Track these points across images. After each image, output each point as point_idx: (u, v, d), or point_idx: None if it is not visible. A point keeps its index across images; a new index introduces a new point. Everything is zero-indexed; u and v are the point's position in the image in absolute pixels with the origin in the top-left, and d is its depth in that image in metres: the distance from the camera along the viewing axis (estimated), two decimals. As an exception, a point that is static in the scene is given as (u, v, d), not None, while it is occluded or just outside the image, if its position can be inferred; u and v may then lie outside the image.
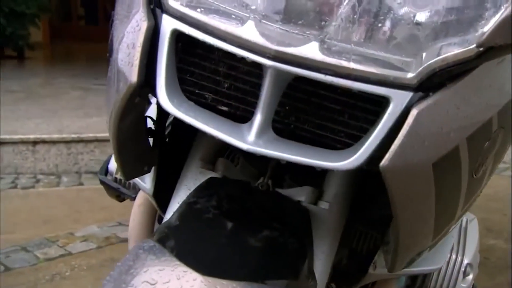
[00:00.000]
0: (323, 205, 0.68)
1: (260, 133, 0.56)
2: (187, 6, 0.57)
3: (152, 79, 0.58)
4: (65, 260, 1.69)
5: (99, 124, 2.80)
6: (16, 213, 2.07)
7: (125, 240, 1.89)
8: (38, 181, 2.43)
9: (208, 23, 0.56)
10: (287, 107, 0.59)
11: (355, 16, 0.55)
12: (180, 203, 0.70)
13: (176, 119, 0.77)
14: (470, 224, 0.88)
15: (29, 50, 5.80)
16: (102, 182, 1.02)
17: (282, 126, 0.59)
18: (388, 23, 0.56)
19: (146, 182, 0.79)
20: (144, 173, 0.75)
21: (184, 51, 0.59)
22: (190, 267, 0.55)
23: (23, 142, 2.47)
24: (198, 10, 0.57)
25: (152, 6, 0.59)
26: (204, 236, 0.60)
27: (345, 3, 0.55)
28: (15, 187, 2.36)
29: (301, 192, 0.69)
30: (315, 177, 0.70)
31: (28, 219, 2.02)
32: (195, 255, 0.57)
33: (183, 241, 0.59)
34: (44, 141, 2.50)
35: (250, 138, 0.56)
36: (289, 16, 0.54)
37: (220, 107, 0.60)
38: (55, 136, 2.52)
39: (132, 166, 0.71)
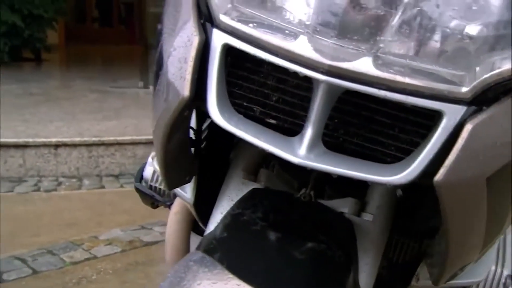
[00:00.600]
0: (367, 216, 0.68)
1: (311, 147, 0.56)
2: (238, 20, 0.57)
3: (202, 92, 0.58)
4: (91, 263, 1.71)
5: (118, 127, 2.82)
6: (40, 216, 2.10)
7: (149, 244, 1.91)
8: (60, 184, 2.46)
9: (260, 37, 0.56)
10: (335, 120, 0.59)
11: (407, 30, 0.55)
12: (223, 213, 0.70)
13: (212, 129, 0.78)
14: (508, 234, 0.88)
15: (45, 52, 5.87)
16: (137, 190, 1.02)
17: (331, 139, 0.59)
18: (439, 37, 0.56)
19: (186, 191, 0.79)
20: (186, 182, 0.76)
21: (233, 64, 0.60)
22: (243, 280, 0.55)
23: (46, 145, 2.50)
24: (250, 25, 0.57)
25: (202, 21, 0.60)
26: (253, 249, 0.60)
27: (397, 17, 0.55)
28: (38, 190, 2.38)
29: (344, 204, 0.69)
30: (356, 188, 0.70)
31: (52, 222, 2.04)
32: (247, 268, 0.57)
33: (232, 254, 0.59)
34: (65, 144, 2.52)
35: (301, 152, 0.56)
36: (341, 30, 0.54)
37: (268, 120, 0.60)
38: (77, 139, 2.55)
39: (175, 176, 0.72)
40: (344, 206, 0.68)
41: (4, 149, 2.46)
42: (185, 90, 0.58)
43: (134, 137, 2.62)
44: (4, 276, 1.60)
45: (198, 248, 0.63)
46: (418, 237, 0.76)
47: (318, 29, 0.54)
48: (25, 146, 2.48)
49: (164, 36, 0.65)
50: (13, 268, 1.65)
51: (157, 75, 0.66)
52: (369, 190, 0.70)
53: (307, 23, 0.55)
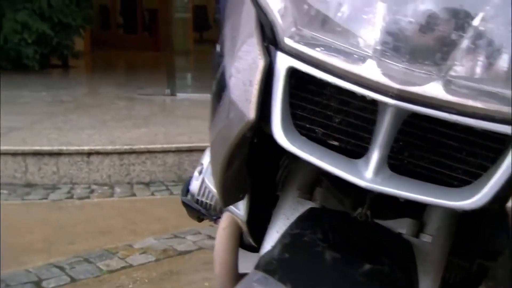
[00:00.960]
0: (426, 238, 0.67)
1: (378, 170, 0.56)
2: (303, 44, 0.58)
3: (265, 114, 0.59)
4: (127, 272, 1.73)
5: (148, 135, 2.85)
6: (74, 224, 2.13)
7: (182, 253, 1.92)
8: (92, 191, 2.49)
9: (327, 61, 0.56)
10: (400, 143, 0.59)
11: (476, 53, 0.55)
12: (279, 232, 0.70)
13: (260, 147, 0.78)
14: None
15: (72, 59, 5.98)
16: (183, 203, 1.03)
17: (395, 162, 0.59)
18: (508, 59, 0.55)
19: (239, 208, 0.80)
20: (239, 200, 0.77)
21: (295, 86, 0.60)
22: (309, 302, 0.55)
23: (79, 153, 2.54)
24: (316, 48, 0.57)
25: (265, 44, 0.60)
26: (315, 270, 0.60)
27: (466, 40, 0.54)
28: (71, 197, 2.42)
29: (401, 224, 0.68)
30: (413, 208, 0.70)
31: (86, 230, 2.07)
32: (313, 290, 0.57)
33: (295, 275, 0.60)
34: (98, 152, 2.56)
35: (367, 175, 0.56)
36: (410, 54, 0.54)
37: (330, 142, 0.61)
38: (109, 147, 2.58)
39: (230, 194, 0.73)
40: (401, 226, 0.68)
41: (39, 156, 2.51)
42: (251, 112, 0.58)
43: (165, 146, 2.65)
44: (44, 284, 1.63)
45: (257, 267, 0.63)
46: (475, 259, 0.75)
47: (387, 53, 0.54)
48: (59, 154, 2.52)
49: (226, 57, 0.66)
50: (51, 276, 1.68)
51: (218, 95, 0.67)
52: (427, 210, 0.69)
53: (376, 47, 0.55)
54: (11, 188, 2.45)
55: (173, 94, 4.23)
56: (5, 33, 4.91)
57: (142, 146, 2.62)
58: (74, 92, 4.30)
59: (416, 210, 0.70)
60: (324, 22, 0.58)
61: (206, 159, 1.01)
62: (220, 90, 0.65)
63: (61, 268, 1.73)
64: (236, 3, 0.71)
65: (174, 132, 2.92)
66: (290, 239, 0.65)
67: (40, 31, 5.10)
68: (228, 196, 0.73)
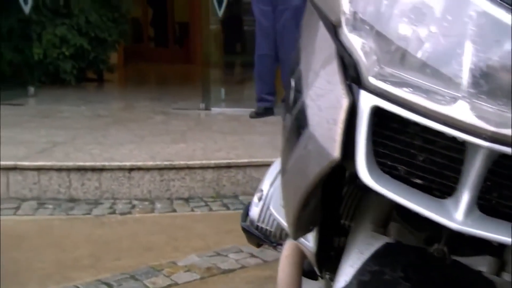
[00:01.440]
0: (508, 277, 0.66)
1: (468, 212, 0.56)
2: (388, 83, 0.58)
3: (348, 152, 0.59)
4: (173, 290, 1.74)
5: (186, 150, 2.88)
6: (118, 239, 2.16)
7: (226, 272, 1.92)
8: (134, 206, 2.53)
9: (414, 101, 0.56)
10: (488, 183, 0.58)
11: None
12: (353, 267, 0.70)
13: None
14: None
15: (107, 72, 6.10)
16: (243, 229, 1.04)
17: (483, 202, 0.58)
18: None
19: (308, 240, 0.80)
20: (309, 231, 0.77)
21: (377, 124, 0.60)
22: None
23: (120, 168, 2.58)
24: (402, 88, 0.57)
25: (348, 82, 0.61)
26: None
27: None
28: (114, 212, 2.46)
29: (482, 262, 0.68)
30: (493, 245, 0.68)
31: (130, 246, 2.10)
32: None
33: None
34: (139, 168, 2.60)
35: (458, 217, 0.56)
36: (504, 97, 0.54)
37: (414, 180, 0.60)
38: (149, 163, 2.62)
39: (302, 227, 0.73)
40: (482, 264, 0.67)
41: (82, 172, 2.56)
42: (335, 151, 0.59)
43: (204, 162, 2.67)
44: (93, 301, 1.66)
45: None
46: None
47: (481, 96, 0.54)
48: (101, 169, 2.57)
49: (305, 94, 0.66)
50: (100, 293, 1.71)
51: (297, 131, 0.67)
52: (507, 248, 0.68)
53: (469, 89, 0.54)
54: (56, 203, 2.51)
55: (207, 108, 4.26)
56: (44, 47, 5.05)
57: (182, 162, 2.65)
58: (111, 106, 4.39)
59: (497, 247, 0.69)
60: (408, 60, 0.58)
61: (265, 185, 1.02)
62: (299, 126, 0.65)
63: (109, 285, 1.76)
64: (311, 36, 0.71)
65: (212, 148, 2.95)
66: (369, 277, 0.64)
67: (78, 46, 5.22)
68: (299, 229, 0.73)
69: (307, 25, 0.75)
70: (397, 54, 0.58)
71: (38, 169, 2.54)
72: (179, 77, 6.71)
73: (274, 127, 3.64)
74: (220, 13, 4.34)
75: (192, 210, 2.53)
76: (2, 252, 1.98)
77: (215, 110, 4.26)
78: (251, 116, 3.89)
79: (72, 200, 2.55)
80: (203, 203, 2.60)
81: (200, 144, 3.02)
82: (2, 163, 2.52)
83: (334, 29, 0.61)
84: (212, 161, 2.69)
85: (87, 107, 4.21)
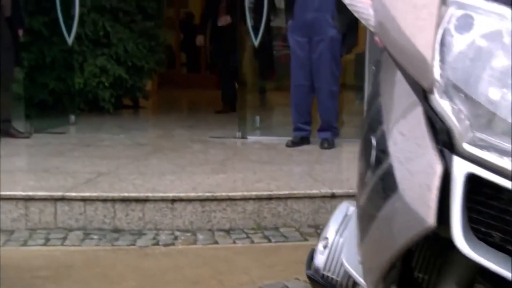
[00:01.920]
0: None
1: None
2: (482, 149, 0.59)
3: (441, 218, 0.60)
4: (221, 327, 1.74)
5: (227, 181, 2.91)
6: (164, 272, 2.18)
7: (273, 308, 1.91)
8: (176, 238, 2.55)
9: (508, 168, 0.57)
10: None
11: None
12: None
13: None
14: None
15: (143, 99, 6.25)
16: (309, 278, 1.05)
17: None
18: None
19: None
20: None
21: (470, 189, 0.61)
22: None
23: (163, 199, 2.63)
24: (496, 154, 0.58)
25: (439, 147, 0.62)
26: None
27: None
28: (157, 243, 2.49)
29: None
30: None
31: (176, 279, 2.12)
32: None
33: None
34: (181, 199, 2.63)
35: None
36: None
37: (509, 247, 0.60)
38: (192, 194, 2.65)
39: (384, 285, 0.73)
40: None
41: (127, 202, 2.61)
42: (430, 218, 0.59)
43: (245, 193, 2.69)
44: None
45: None
46: None
47: None
48: (145, 200, 2.62)
49: (393, 157, 0.67)
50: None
51: (384, 193, 0.68)
52: None
53: None
54: (101, 233, 2.56)
55: (243, 137, 4.30)
56: (85, 77, 5.22)
57: (223, 194, 2.67)
58: (149, 134, 4.48)
59: None
60: (499, 125, 0.59)
61: (331, 233, 1.03)
62: (386, 188, 0.66)
63: (159, 320, 1.77)
64: (392, 94, 0.72)
65: (251, 179, 2.97)
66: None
67: (117, 75, 5.38)
68: (379, 286, 0.73)
69: (386, 82, 0.76)
70: (488, 119, 0.59)
71: (84, 199, 2.60)
72: (212, 103, 6.79)
73: (311, 157, 3.65)
74: (257, 42, 4.41)
75: (234, 242, 2.54)
76: (51, 283, 2.03)
77: (251, 138, 4.30)
78: (288, 145, 3.91)
79: (117, 230, 2.59)
80: (244, 235, 2.61)
81: (239, 175, 3.04)
82: (51, 193, 2.59)
83: (423, 94, 0.62)
84: (253, 193, 2.70)
85: (126, 136, 4.31)
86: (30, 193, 2.58)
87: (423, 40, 0.59)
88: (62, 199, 2.59)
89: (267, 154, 3.70)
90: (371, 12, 0.68)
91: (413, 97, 0.65)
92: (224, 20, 5.39)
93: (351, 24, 3.72)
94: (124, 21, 5.49)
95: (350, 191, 2.76)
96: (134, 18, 5.55)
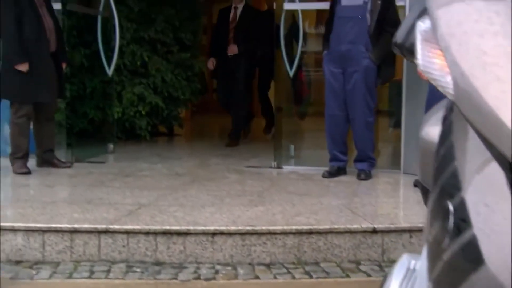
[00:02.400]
0: None
1: None
2: None
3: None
4: None
5: (266, 214, 2.92)
6: (207, 308, 2.19)
7: None
8: (217, 272, 2.56)
9: None
10: None
11: None
12: None
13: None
14: None
15: (178, 127, 6.36)
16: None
17: None
18: None
19: None
20: None
21: None
22: None
23: (204, 233, 2.65)
24: None
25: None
26: None
27: None
28: (198, 277, 2.50)
29: None
30: None
31: (219, 316, 2.12)
32: None
33: None
34: (222, 233, 2.65)
35: None
36: None
37: None
38: (232, 228, 2.67)
39: None
40: None
41: (168, 235, 2.64)
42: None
43: (285, 227, 2.69)
44: None
45: None
46: None
47: None
48: (186, 233, 2.64)
49: (478, 228, 0.66)
50: None
51: (466, 265, 0.67)
52: None
53: None
54: (143, 266, 2.59)
55: (279, 166, 4.32)
56: (123, 106, 5.35)
57: (263, 228, 2.68)
58: (186, 163, 4.54)
59: None
60: None
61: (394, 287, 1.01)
62: (469, 260, 0.64)
63: None
64: (469, 158, 0.71)
65: (291, 212, 2.97)
66: None
67: (153, 104, 5.50)
68: None
69: (461, 146, 0.76)
70: None
71: (127, 232, 2.64)
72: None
73: (348, 188, 3.63)
74: (291, 73, 4.45)
75: (275, 277, 2.53)
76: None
77: (286, 168, 4.31)
78: (324, 176, 3.90)
79: (158, 263, 2.62)
80: (285, 270, 2.60)
81: (278, 207, 3.05)
82: (95, 226, 2.64)
83: (510, 167, 0.61)
84: (293, 227, 2.70)
85: (163, 165, 4.38)
86: (76, 226, 2.65)
87: (509, 114, 0.59)
88: (106, 231, 2.64)
89: (304, 185, 3.70)
90: (449, 80, 0.69)
91: (494, 164, 0.65)
92: (231, 50, 5.37)
93: (388, 56, 3.73)
94: (161, 52, 5.64)
95: (391, 226, 2.73)
96: (171, 49, 5.70)
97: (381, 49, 3.66)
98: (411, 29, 0.83)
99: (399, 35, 0.90)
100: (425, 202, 1.68)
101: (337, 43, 3.78)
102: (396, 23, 3.70)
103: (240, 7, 5.47)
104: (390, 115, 5.00)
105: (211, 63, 5.56)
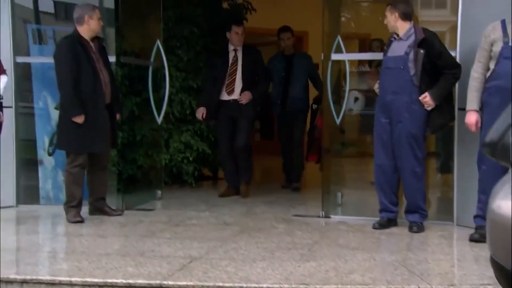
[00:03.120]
0: None
1: None
2: None
3: None
4: None
5: (319, 271, 2.87)
6: None
7: None
8: (271, 332, 2.51)
9: None
10: None
11: None
12: None
13: None
14: None
15: (222, 171, 6.40)
16: None
17: None
18: None
19: None
20: None
21: None
22: None
23: (258, 291, 2.62)
24: None
25: None
26: None
27: None
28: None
29: None
30: None
31: None
32: None
33: None
34: (276, 291, 2.61)
35: None
36: None
37: None
38: (286, 286, 2.63)
39: None
40: None
41: (221, 293, 2.63)
42: None
43: (339, 286, 2.64)
44: None
45: None
46: None
47: None
48: (240, 291, 2.62)
49: None
50: None
51: None
52: None
53: None
54: (197, 324, 2.57)
55: (327, 215, 4.27)
56: (171, 153, 5.46)
57: (317, 286, 2.63)
58: (233, 211, 4.53)
59: None
60: None
61: None
62: None
63: None
64: None
65: (344, 268, 2.91)
66: None
67: (200, 150, 5.59)
68: None
69: None
70: None
71: (181, 288, 2.65)
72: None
73: (401, 242, 3.53)
74: (338, 121, 4.45)
75: None
76: None
77: (334, 218, 4.25)
78: (374, 228, 3.83)
79: (211, 321, 2.60)
80: (340, 331, 2.53)
81: (331, 263, 2.99)
82: (150, 281, 2.66)
83: None
84: (348, 286, 2.64)
85: (211, 213, 4.40)
86: (131, 281, 2.67)
87: None
88: (160, 287, 2.65)
89: (355, 237, 3.63)
90: None
91: None
92: (245, 97, 4.99)
93: (443, 102, 3.70)
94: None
95: (451, 287, 2.63)
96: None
97: (440, 88, 3.65)
98: (507, 130, 0.82)
99: (492, 135, 0.89)
100: (500, 281, 1.62)
101: (383, 93, 3.80)
102: (455, 65, 3.69)
103: (240, 49, 5.05)
104: (439, 159, 4.87)
105: (201, 114, 5.06)
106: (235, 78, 5.04)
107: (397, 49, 3.76)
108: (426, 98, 3.66)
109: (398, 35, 3.77)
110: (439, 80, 3.66)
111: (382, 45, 5.07)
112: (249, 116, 5.07)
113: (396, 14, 3.73)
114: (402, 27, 3.74)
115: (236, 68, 5.05)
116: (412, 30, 3.73)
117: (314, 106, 5.58)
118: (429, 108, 3.69)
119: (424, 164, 3.86)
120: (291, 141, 5.62)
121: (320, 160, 4.94)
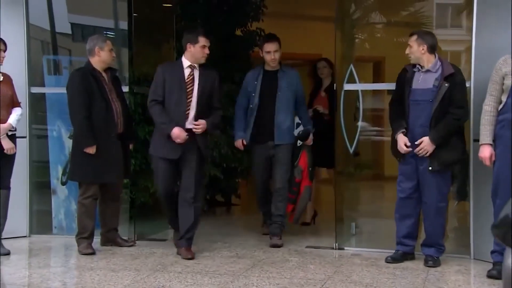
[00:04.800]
0: None
1: None
2: None
3: None
4: None
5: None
6: None
7: None
8: None
9: None
10: None
11: None
12: None
13: None
14: None
15: (234, 197, 6.38)
16: None
17: None
18: None
19: None
20: None
21: None
22: None
23: (270, 334, 2.56)
24: None
25: None
26: None
27: None
28: None
29: None
30: None
31: None
32: None
33: None
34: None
35: None
36: None
37: None
38: (298, 329, 2.57)
39: None
40: None
41: (233, 335, 2.57)
42: None
43: (354, 329, 2.56)
44: None
45: None
46: None
47: None
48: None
49: None
50: None
51: None
52: None
53: None
54: None
55: (340, 247, 4.20)
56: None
57: (331, 329, 2.56)
58: (245, 242, 4.47)
59: None
60: None
61: None
62: None
63: None
64: None
65: (358, 309, 2.84)
66: None
67: (213, 175, 5.57)
68: None
69: None
70: None
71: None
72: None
73: (416, 278, 3.45)
74: (352, 149, 4.41)
75: None
76: None
77: (348, 250, 4.18)
78: (387, 261, 3.75)
79: None
80: None
81: (345, 303, 2.92)
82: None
83: None
84: (363, 329, 2.57)
85: (224, 244, 4.35)
86: (141, 322, 2.63)
87: None
88: (171, 329, 2.61)
89: (369, 272, 3.55)
90: None
91: None
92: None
93: (447, 139, 3.60)
94: (220, 126, 5.73)
95: (470, 331, 2.55)
96: (228, 124, 5.80)
97: (439, 130, 3.56)
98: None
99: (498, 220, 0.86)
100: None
101: (411, 126, 3.68)
102: (460, 105, 3.59)
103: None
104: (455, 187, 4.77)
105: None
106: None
107: (424, 81, 3.64)
108: (423, 143, 3.56)
109: (422, 67, 3.69)
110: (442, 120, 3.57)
111: (330, 64, 4.98)
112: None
113: (425, 47, 3.64)
114: (429, 59, 3.66)
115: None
116: (439, 62, 3.66)
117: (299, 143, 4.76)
118: (427, 154, 3.59)
119: (447, 200, 3.77)
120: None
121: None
